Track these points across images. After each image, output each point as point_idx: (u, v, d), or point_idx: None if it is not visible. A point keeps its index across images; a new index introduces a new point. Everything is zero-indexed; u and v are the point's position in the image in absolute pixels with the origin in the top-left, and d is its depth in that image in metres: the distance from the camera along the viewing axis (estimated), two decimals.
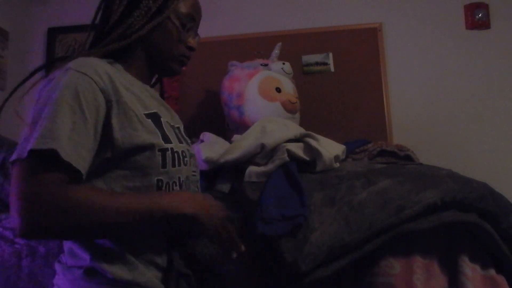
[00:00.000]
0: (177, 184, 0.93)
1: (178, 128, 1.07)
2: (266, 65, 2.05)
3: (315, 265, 1.12)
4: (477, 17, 2.33)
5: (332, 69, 2.40)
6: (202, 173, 1.53)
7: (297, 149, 1.45)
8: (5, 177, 1.74)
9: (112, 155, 0.85)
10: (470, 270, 1.15)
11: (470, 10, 2.34)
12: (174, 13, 1.00)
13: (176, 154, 0.92)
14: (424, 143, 2.23)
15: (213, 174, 1.53)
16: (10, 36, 2.49)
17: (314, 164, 1.43)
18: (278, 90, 1.92)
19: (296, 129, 1.58)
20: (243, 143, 1.51)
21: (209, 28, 2.53)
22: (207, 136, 1.74)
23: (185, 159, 0.96)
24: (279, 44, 2.14)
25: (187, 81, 2.50)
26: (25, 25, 2.66)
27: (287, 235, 1.15)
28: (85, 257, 0.86)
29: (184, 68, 1.09)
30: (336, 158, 1.47)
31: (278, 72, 2.02)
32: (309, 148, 1.46)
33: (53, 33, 2.66)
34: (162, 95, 1.21)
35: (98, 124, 0.83)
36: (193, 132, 2.18)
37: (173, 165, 0.91)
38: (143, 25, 0.97)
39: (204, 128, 1.89)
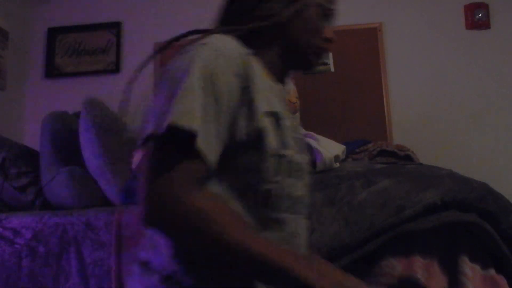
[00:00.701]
0: (289, 201, 0.80)
1: (300, 139, 0.93)
2: None
3: None
4: (477, 17, 2.33)
5: (332, 69, 2.40)
6: None
7: None
8: (5, 177, 1.74)
9: (227, 148, 0.74)
10: (470, 270, 1.14)
11: (470, 10, 2.34)
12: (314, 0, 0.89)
13: (292, 164, 0.80)
14: (424, 143, 2.23)
15: None
16: (10, 36, 2.49)
17: (314, 164, 1.43)
18: None
19: None
20: None
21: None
22: None
23: (300, 172, 0.83)
24: None
25: None
26: (25, 25, 2.66)
27: None
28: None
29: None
30: (336, 158, 1.47)
31: None
32: (309, 148, 1.46)
33: (53, 33, 2.66)
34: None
35: (229, 111, 0.73)
36: None
37: (288, 176, 0.79)
38: (281, 10, 0.85)
39: None
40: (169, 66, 0.76)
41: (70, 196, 1.63)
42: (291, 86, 2.02)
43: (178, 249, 0.74)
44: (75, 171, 1.68)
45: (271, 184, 0.76)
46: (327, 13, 0.92)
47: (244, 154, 0.75)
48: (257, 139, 0.75)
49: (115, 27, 2.62)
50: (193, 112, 0.67)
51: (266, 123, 0.76)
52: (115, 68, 2.59)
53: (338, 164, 1.48)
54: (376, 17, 2.42)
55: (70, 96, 2.47)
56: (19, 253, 1.40)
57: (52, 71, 2.63)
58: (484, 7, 2.33)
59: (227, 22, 0.89)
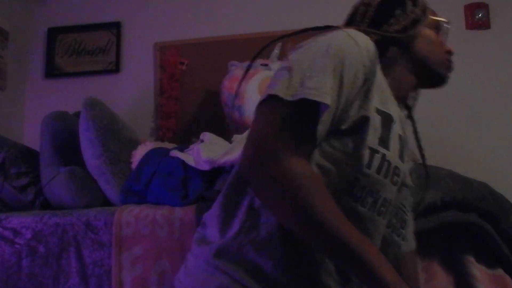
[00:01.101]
0: (373, 198, 0.79)
1: (409, 151, 0.94)
2: (266, 65, 2.05)
3: None
4: (477, 17, 2.33)
5: None
6: (202, 173, 1.53)
7: None
8: (5, 177, 1.74)
9: (332, 129, 0.77)
10: (478, 271, 1.14)
11: (470, 10, 2.34)
12: (426, 19, 0.96)
13: (386, 163, 0.79)
14: (424, 143, 2.22)
15: (213, 174, 1.53)
16: (10, 36, 2.49)
17: None
18: None
19: None
20: (243, 143, 1.50)
21: (209, 28, 2.53)
22: (207, 136, 1.74)
23: (396, 177, 0.82)
24: (279, 44, 2.14)
25: (187, 81, 2.50)
26: (25, 25, 2.66)
27: None
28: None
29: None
30: None
31: None
32: None
33: (53, 33, 2.66)
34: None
35: (347, 97, 0.76)
36: (193, 132, 2.18)
37: (378, 172, 0.78)
38: (414, 22, 0.93)
39: (204, 128, 1.88)
40: (312, 41, 0.80)
41: (70, 196, 1.63)
42: None
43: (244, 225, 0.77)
44: (75, 171, 1.68)
45: (361, 175, 0.77)
46: (439, 27, 1.00)
47: (344, 137, 0.77)
48: (361, 126, 0.77)
49: (115, 27, 2.62)
50: (326, 90, 0.72)
51: (375, 116, 0.79)
52: (115, 68, 2.59)
53: None
54: None
55: (70, 96, 2.47)
56: (19, 253, 1.39)
57: (52, 71, 2.63)
58: (484, 7, 2.33)
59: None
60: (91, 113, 1.71)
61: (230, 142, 1.68)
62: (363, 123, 0.78)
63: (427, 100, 2.33)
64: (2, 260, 1.40)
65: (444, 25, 1.00)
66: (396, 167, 0.81)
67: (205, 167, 1.50)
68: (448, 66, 1.01)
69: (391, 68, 0.93)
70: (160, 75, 2.52)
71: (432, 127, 2.30)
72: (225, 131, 2.06)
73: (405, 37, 0.92)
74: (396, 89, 0.92)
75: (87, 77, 2.60)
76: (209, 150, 1.55)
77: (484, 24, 2.33)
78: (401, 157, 0.84)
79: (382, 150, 0.79)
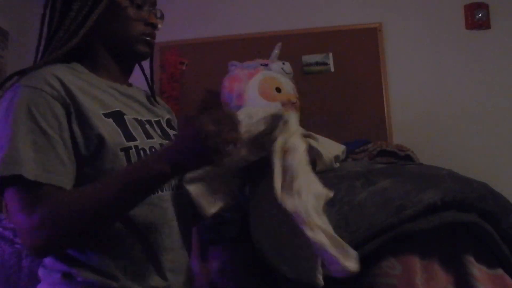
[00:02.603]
0: None
1: (156, 122, 1.02)
2: (266, 65, 2.04)
3: None
4: (477, 17, 2.33)
5: (332, 69, 2.40)
6: None
7: None
8: None
9: (80, 160, 0.84)
10: (478, 271, 1.14)
11: (470, 10, 2.35)
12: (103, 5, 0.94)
13: (142, 151, 0.88)
14: (424, 143, 2.23)
15: None
16: (10, 36, 2.49)
17: (314, 164, 1.42)
18: (278, 90, 1.92)
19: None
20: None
21: (209, 28, 2.53)
22: None
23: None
24: (279, 44, 2.14)
25: (187, 81, 2.50)
26: (25, 25, 2.66)
27: None
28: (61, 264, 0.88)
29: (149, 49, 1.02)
30: (336, 158, 1.47)
31: (278, 72, 2.01)
32: (309, 148, 1.45)
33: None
34: (151, 90, 1.17)
35: (64, 133, 0.82)
36: None
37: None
38: (86, 17, 0.93)
39: None
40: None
41: None
42: (291, 86, 2.02)
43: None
44: None
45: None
46: (134, 1, 0.98)
47: (99, 157, 0.84)
48: (99, 143, 0.83)
49: None
50: (17, 158, 0.75)
51: (107, 124, 0.85)
52: None
53: (338, 164, 1.48)
54: (376, 17, 2.43)
55: None
56: (19, 253, 1.40)
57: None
58: (484, 7, 2.33)
59: (47, 46, 0.99)
60: None
61: None
62: (99, 138, 0.83)
63: (427, 100, 2.34)
64: (2, 260, 1.40)
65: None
66: (150, 148, 0.90)
67: None
68: (144, 41, 0.99)
69: (92, 56, 0.96)
70: (160, 75, 2.52)
71: (432, 127, 2.31)
72: None
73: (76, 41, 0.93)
74: (113, 77, 0.96)
75: None
76: None
77: (484, 24, 2.33)
78: (148, 135, 0.92)
79: (131, 144, 0.87)
